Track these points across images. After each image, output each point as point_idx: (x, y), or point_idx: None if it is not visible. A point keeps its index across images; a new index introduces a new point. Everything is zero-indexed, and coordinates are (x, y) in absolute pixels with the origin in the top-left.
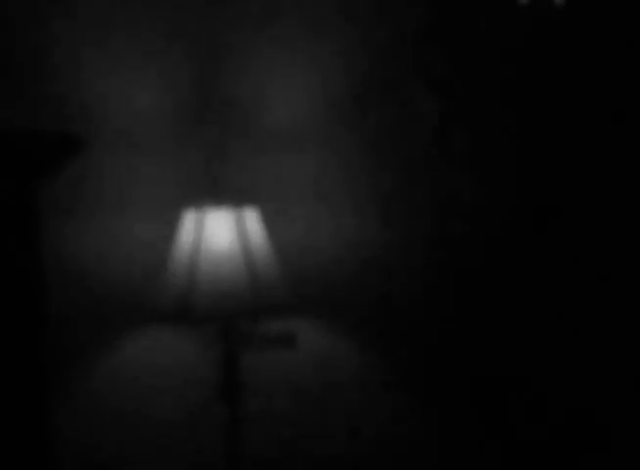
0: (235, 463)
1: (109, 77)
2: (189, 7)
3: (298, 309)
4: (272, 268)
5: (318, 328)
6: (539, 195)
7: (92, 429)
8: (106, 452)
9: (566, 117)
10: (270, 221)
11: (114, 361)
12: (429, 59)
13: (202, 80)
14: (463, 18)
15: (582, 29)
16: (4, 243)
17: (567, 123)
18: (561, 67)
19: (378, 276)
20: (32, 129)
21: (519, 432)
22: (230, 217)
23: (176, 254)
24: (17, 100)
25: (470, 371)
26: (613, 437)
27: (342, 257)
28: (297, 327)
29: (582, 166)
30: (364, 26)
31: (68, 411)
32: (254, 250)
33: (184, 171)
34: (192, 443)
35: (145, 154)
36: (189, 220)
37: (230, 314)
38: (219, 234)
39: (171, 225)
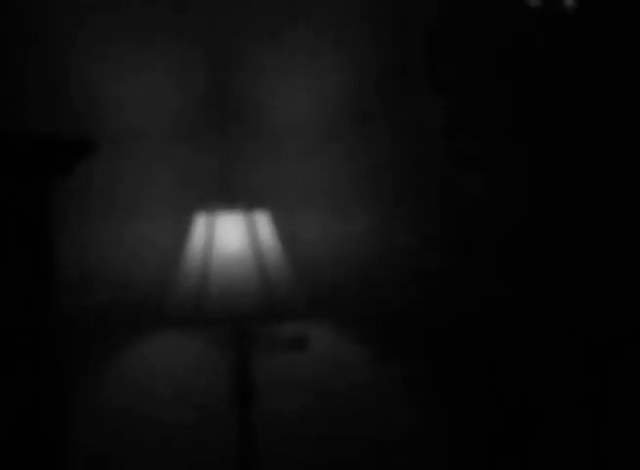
0: (247, 465)
1: (123, 80)
2: (204, 12)
3: (310, 312)
4: (284, 271)
5: (330, 331)
6: (551, 195)
7: (103, 432)
8: (117, 455)
9: (577, 118)
10: (282, 224)
11: (127, 364)
12: (439, 60)
13: (214, 84)
14: (473, 19)
15: (594, 32)
16: (15, 244)
17: (578, 124)
18: (572, 69)
19: (390, 279)
20: (46, 132)
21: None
22: (241, 220)
23: (188, 257)
24: (32, 103)
25: (486, 376)
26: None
27: (353, 259)
28: (308, 330)
29: (595, 167)
30: (374, 29)
31: (80, 414)
32: (266, 252)
33: (195, 174)
34: (204, 445)
35: (157, 157)
36: (200, 223)
37: (242, 317)
38: (231, 237)
39: (183, 228)
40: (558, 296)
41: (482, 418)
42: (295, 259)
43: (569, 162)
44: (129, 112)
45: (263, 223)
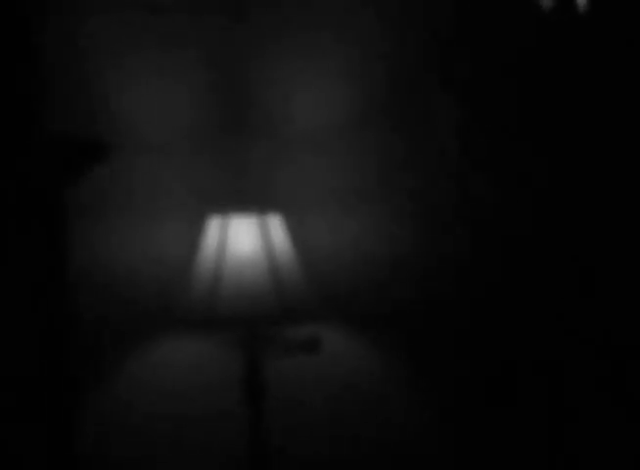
0: (258, 466)
1: (136, 87)
2: (213, 19)
3: (322, 315)
4: (296, 274)
5: (342, 333)
6: (562, 196)
7: (117, 431)
8: (131, 454)
9: (588, 120)
10: (294, 227)
11: (139, 366)
12: (451, 61)
13: (227, 89)
14: (486, 21)
15: (606, 34)
16: (32, 244)
17: (589, 127)
18: (584, 71)
19: (402, 281)
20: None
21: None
22: (254, 223)
23: (201, 259)
24: (51, 108)
25: (499, 380)
26: None
27: (365, 262)
28: (320, 332)
29: (604, 169)
30: (385, 29)
31: (92, 416)
32: (278, 255)
33: (209, 178)
34: (215, 446)
35: (171, 161)
36: (213, 226)
37: (254, 319)
38: (243, 240)
39: (196, 231)
40: (563, 297)
41: (496, 420)
42: (307, 262)
43: (582, 164)
44: (144, 117)
45: (276, 226)
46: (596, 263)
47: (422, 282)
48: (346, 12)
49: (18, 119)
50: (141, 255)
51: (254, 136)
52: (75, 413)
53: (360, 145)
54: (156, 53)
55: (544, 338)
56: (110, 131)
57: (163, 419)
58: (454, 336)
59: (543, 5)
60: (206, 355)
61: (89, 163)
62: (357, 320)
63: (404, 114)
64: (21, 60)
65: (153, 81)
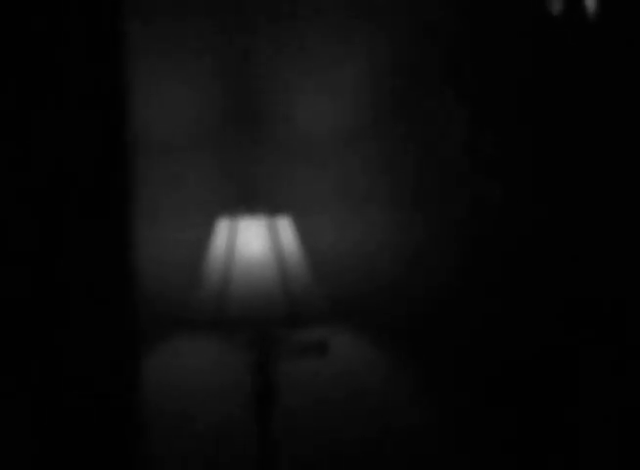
0: (267, 467)
1: (147, 89)
2: (222, 22)
3: (332, 318)
4: (305, 276)
5: (350, 336)
6: (569, 204)
7: None
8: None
9: (598, 126)
10: (303, 229)
11: (148, 367)
12: (459, 67)
13: (236, 90)
14: (495, 27)
15: (617, 40)
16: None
17: (599, 133)
18: (594, 77)
19: (411, 284)
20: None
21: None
22: (263, 225)
23: (210, 261)
24: None
25: (506, 385)
26: None
27: (374, 264)
28: (329, 335)
29: (614, 176)
30: (395, 36)
31: None
32: (287, 257)
33: (218, 180)
34: (225, 447)
35: (180, 163)
36: (222, 229)
37: (263, 322)
38: (252, 242)
39: (205, 233)
40: (569, 298)
41: (502, 422)
42: (316, 264)
43: (591, 171)
44: (153, 120)
45: (285, 228)
46: (600, 264)
47: (430, 285)
48: (355, 23)
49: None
50: (150, 256)
51: (265, 140)
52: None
53: (369, 149)
54: (171, 59)
55: (548, 340)
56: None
57: (172, 420)
58: (461, 338)
59: (553, 10)
60: (215, 357)
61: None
62: (365, 323)
63: (412, 119)
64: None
65: (166, 85)
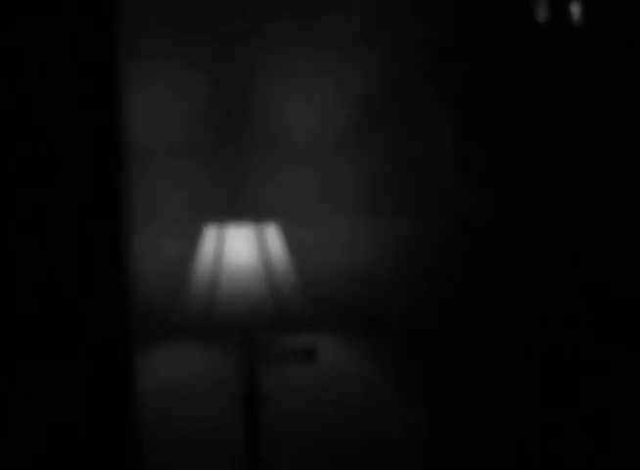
0: None
1: (133, 95)
2: (211, 31)
3: (319, 324)
4: (292, 282)
5: (337, 342)
6: (558, 207)
7: None
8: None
9: (585, 131)
10: (290, 236)
11: (138, 372)
12: (445, 73)
13: (224, 99)
14: (481, 33)
15: (601, 47)
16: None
17: (586, 138)
18: (578, 83)
19: (398, 290)
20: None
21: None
22: (250, 233)
23: (198, 268)
24: None
25: (489, 388)
26: None
27: (361, 271)
28: (316, 341)
29: (602, 177)
30: (382, 42)
31: None
32: (275, 264)
33: (206, 188)
34: (212, 453)
35: (167, 170)
36: (210, 236)
37: (250, 327)
38: (240, 249)
39: (193, 241)
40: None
41: (486, 426)
42: (302, 270)
43: (577, 175)
44: (139, 126)
45: (272, 235)
46: (586, 270)
47: (415, 290)
48: (343, 29)
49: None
50: (139, 263)
51: (252, 147)
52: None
53: (356, 156)
54: (160, 66)
55: (533, 341)
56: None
57: (160, 424)
58: (447, 342)
59: (539, 17)
60: (203, 362)
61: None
62: (352, 328)
63: (398, 126)
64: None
65: (155, 93)
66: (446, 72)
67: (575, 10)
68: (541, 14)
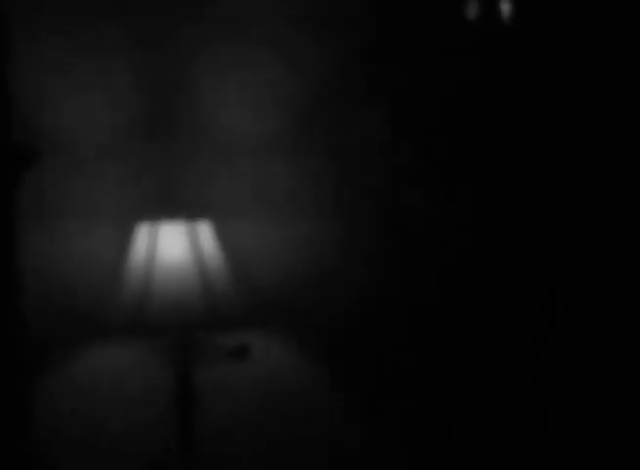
0: None
1: (66, 94)
2: (137, 27)
3: (253, 321)
4: (225, 281)
5: (271, 340)
6: (490, 210)
7: (47, 437)
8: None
9: (515, 128)
10: (224, 234)
11: (71, 372)
12: (378, 73)
13: (160, 97)
14: (413, 32)
15: (531, 45)
16: None
17: (517, 135)
18: (509, 79)
19: (331, 288)
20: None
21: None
22: (183, 230)
23: (130, 266)
24: None
25: (426, 386)
26: None
27: (295, 268)
28: (250, 339)
29: (533, 179)
30: (316, 42)
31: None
32: (208, 262)
33: (138, 185)
34: (146, 453)
35: (100, 168)
36: (143, 233)
37: (184, 326)
38: (173, 247)
39: (125, 238)
40: (489, 306)
41: (422, 423)
42: (236, 269)
43: (508, 171)
44: (72, 124)
45: (205, 233)
46: (522, 264)
47: (349, 289)
48: (278, 32)
49: None
50: (70, 261)
51: (186, 145)
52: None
53: (290, 155)
54: (86, 63)
55: (470, 340)
56: (42, 140)
57: (93, 426)
58: (381, 341)
59: (469, 15)
60: (137, 362)
61: (17, 169)
62: (286, 326)
63: (332, 126)
64: None
65: (85, 90)
66: (378, 72)
67: (505, 8)
68: (471, 12)
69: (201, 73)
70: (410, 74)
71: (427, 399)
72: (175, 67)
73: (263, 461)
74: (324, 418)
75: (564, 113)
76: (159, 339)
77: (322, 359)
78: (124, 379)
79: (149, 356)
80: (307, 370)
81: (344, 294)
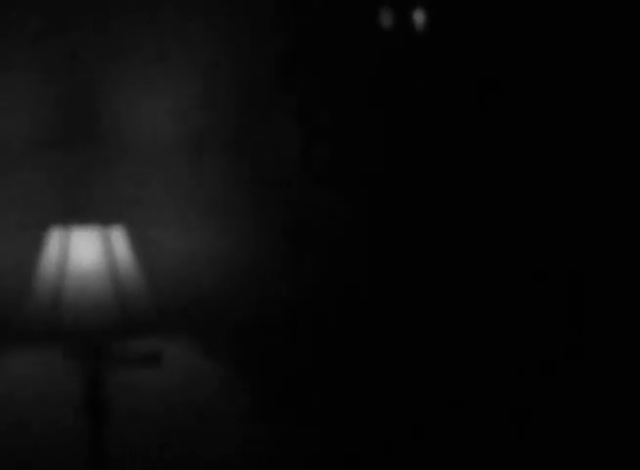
0: None
1: None
2: (52, 25)
3: (165, 327)
4: (139, 286)
5: (185, 346)
6: (400, 205)
7: None
8: None
9: (430, 136)
10: (138, 240)
11: None
12: (293, 75)
13: (71, 101)
14: (327, 40)
15: (445, 53)
16: None
17: (432, 142)
18: (424, 88)
19: (245, 294)
20: None
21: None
22: (96, 236)
23: (42, 272)
24: None
25: (333, 388)
26: None
27: (208, 275)
28: (163, 345)
29: (452, 181)
30: (232, 48)
31: None
32: (121, 268)
33: (51, 190)
34: (55, 460)
35: (12, 172)
36: (55, 239)
37: (96, 332)
38: (85, 253)
39: (37, 244)
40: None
41: (337, 436)
42: (150, 275)
43: (422, 172)
44: None
45: (119, 239)
46: (442, 272)
47: (262, 296)
48: (195, 35)
49: None
50: None
51: (99, 149)
52: None
53: (203, 161)
54: (2, 73)
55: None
56: None
57: (2, 431)
58: (294, 348)
59: (383, 24)
60: (47, 368)
61: None
62: (200, 333)
63: (248, 131)
64: None
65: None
66: (293, 75)
67: (419, 17)
68: (386, 21)
69: (112, 80)
70: (325, 77)
71: (337, 401)
72: (91, 72)
73: (173, 466)
74: (234, 425)
75: (473, 116)
76: (71, 345)
77: (233, 366)
78: (35, 385)
79: (60, 364)
80: (219, 377)
81: (256, 297)
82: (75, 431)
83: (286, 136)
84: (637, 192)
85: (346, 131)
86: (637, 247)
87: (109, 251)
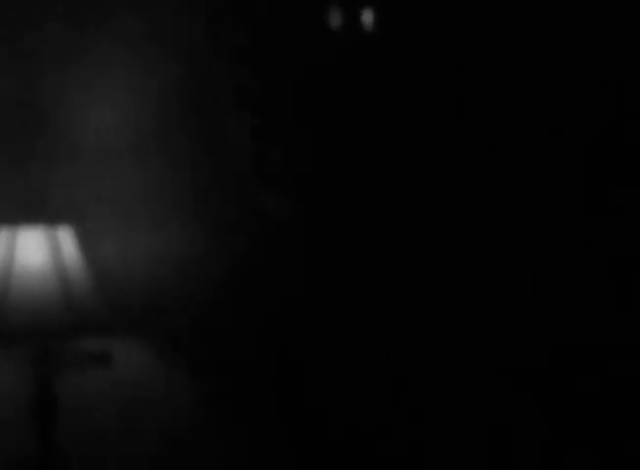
0: None
1: None
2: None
3: (114, 328)
4: (87, 287)
5: (134, 346)
6: (354, 206)
7: None
8: None
9: (379, 134)
10: (86, 239)
11: None
12: (243, 78)
13: (19, 100)
14: (276, 39)
15: (393, 53)
16: None
17: (379, 142)
18: (373, 88)
19: (194, 295)
20: None
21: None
22: (43, 236)
23: None
24: None
25: (284, 386)
26: None
27: (157, 274)
28: (113, 346)
29: (403, 183)
30: (177, 44)
31: None
32: (69, 268)
33: None
34: (4, 462)
35: None
36: (1, 239)
37: (43, 334)
38: (32, 253)
39: None
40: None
41: (284, 435)
42: (98, 274)
43: (378, 179)
44: None
45: (66, 238)
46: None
47: (211, 297)
48: (145, 36)
49: None
50: None
51: (48, 147)
52: None
53: (152, 159)
54: None
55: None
56: None
57: None
58: (242, 348)
59: (332, 24)
60: None
61: None
62: (148, 333)
63: (199, 133)
64: None
65: None
66: (244, 76)
67: (368, 17)
68: (335, 21)
69: (59, 79)
70: (277, 81)
71: (289, 398)
72: (43, 72)
73: (124, 466)
74: (185, 425)
75: (421, 115)
76: (18, 346)
77: (183, 366)
78: None
79: (9, 363)
80: (169, 377)
81: (205, 296)
82: (24, 433)
83: (237, 142)
84: (637, 192)
85: (298, 132)
86: (637, 248)
87: (56, 250)
